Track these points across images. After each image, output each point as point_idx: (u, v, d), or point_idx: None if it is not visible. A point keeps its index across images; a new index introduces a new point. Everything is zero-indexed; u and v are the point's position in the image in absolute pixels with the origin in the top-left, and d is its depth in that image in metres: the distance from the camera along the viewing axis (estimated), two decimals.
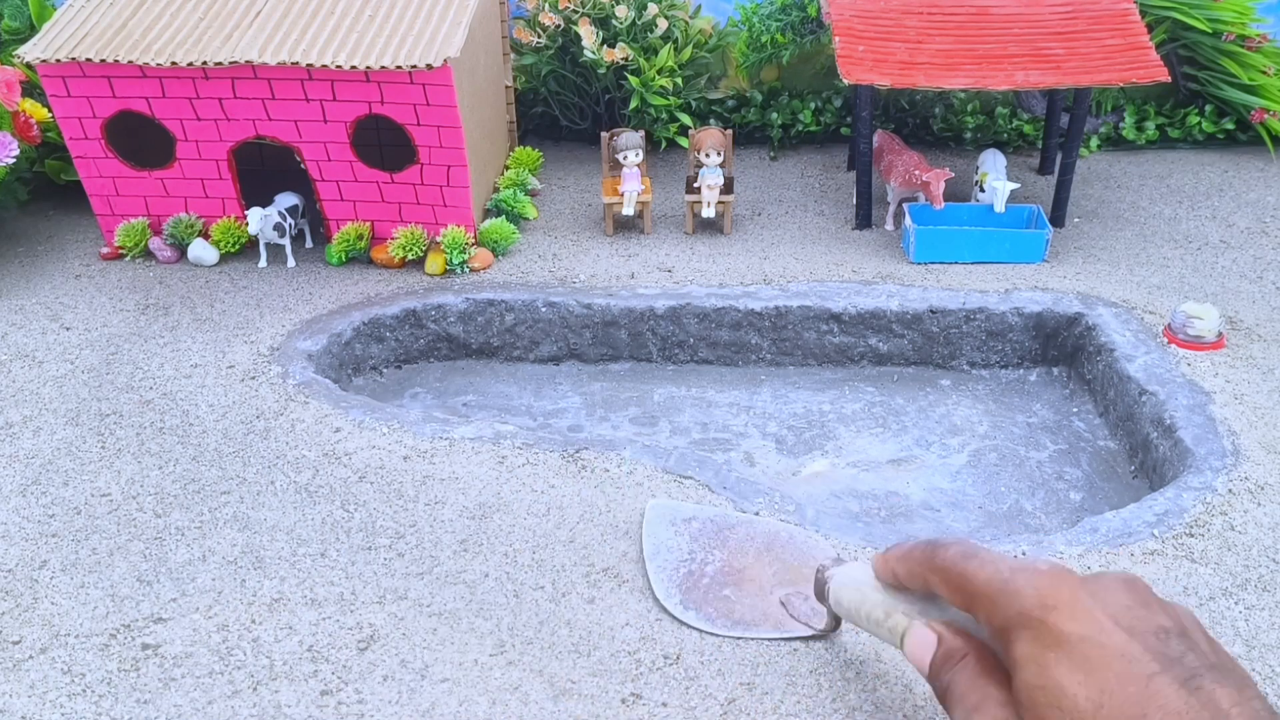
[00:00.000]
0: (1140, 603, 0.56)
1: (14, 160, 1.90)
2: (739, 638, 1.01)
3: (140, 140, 1.92)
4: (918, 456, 1.59)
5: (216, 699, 0.97)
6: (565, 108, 2.39)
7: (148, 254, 1.95)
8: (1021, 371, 1.79)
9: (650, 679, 0.98)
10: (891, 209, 2.03)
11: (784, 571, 1.09)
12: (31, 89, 2.01)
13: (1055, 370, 1.77)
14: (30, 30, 2.16)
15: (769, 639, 1.00)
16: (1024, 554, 1.21)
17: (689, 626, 1.02)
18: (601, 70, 2.16)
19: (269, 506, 1.25)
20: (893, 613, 0.77)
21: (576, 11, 2.15)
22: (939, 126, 2.38)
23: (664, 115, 2.24)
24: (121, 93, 1.81)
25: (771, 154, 2.41)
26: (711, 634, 1.01)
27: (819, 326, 1.78)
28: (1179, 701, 0.48)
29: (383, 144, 1.97)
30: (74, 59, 1.74)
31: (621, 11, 2.13)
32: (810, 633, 1.00)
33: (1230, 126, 2.34)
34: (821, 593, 0.83)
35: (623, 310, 1.78)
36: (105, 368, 1.59)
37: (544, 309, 1.79)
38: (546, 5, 2.17)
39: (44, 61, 1.75)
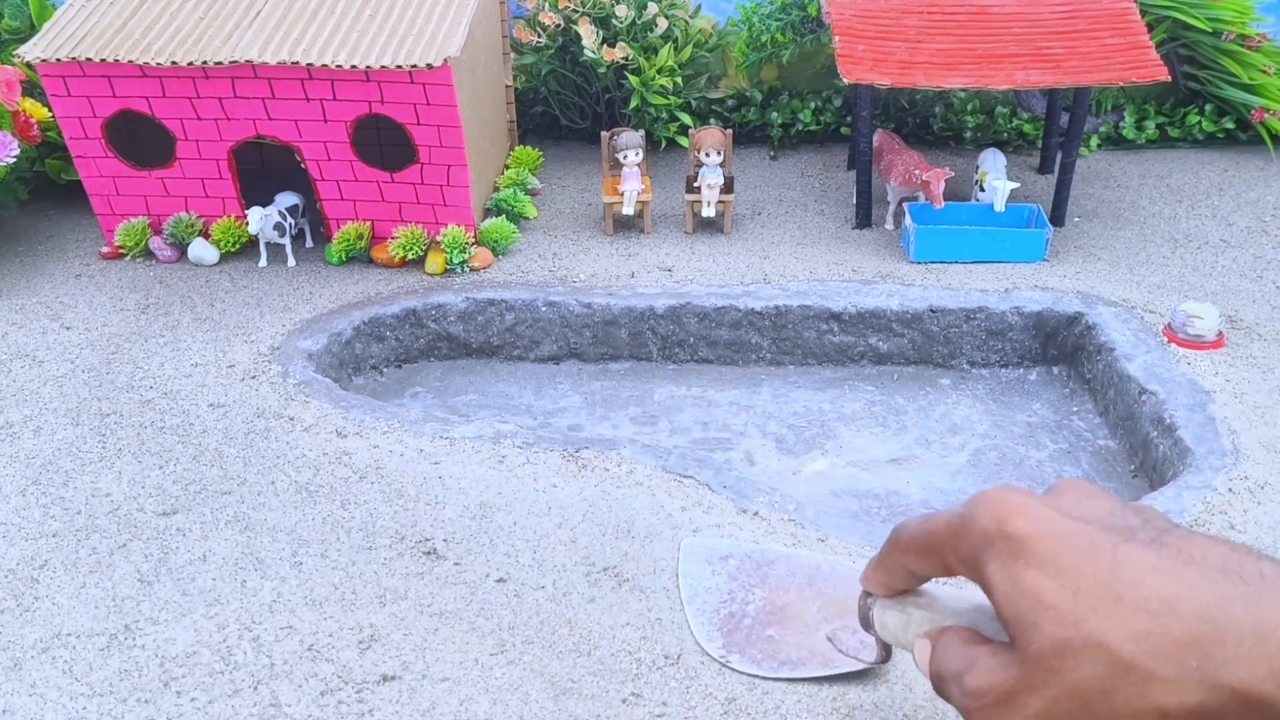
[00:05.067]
0: (1089, 495, 0.56)
1: (14, 160, 1.90)
2: (788, 679, 0.97)
3: (140, 140, 1.92)
4: (918, 456, 1.59)
5: (217, 699, 0.97)
6: (565, 107, 2.39)
7: (148, 253, 1.95)
8: (1021, 371, 1.79)
9: (650, 678, 0.98)
10: (891, 208, 2.03)
11: (828, 606, 1.05)
12: (32, 88, 2.01)
13: (1055, 369, 1.77)
14: (30, 30, 2.15)
15: (819, 678, 0.96)
16: None
17: (735, 671, 0.98)
18: (601, 70, 2.16)
19: (269, 506, 1.25)
20: (907, 614, 0.75)
21: (576, 11, 2.15)
22: (939, 126, 2.38)
23: (664, 115, 2.24)
24: (122, 92, 1.81)
25: (771, 153, 2.41)
26: (759, 678, 0.97)
27: (819, 326, 1.78)
28: (1150, 557, 0.48)
29: (383, 143, 1.97)
30: (74, 58, 1.74)
31: (621, 11, 2.13)
32: (861, 666, 0.96)
33: (1230, 126, 2.34)
34: (866, 620, 0.79)
35: (623, 309, 1.78)
36: (105, 367, 1.59)
37: (544, 308, 1.79)
38: (546, 5, 2.17)
39: (44, 61, 1.75)
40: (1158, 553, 0.48)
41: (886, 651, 0.88)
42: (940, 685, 0.61)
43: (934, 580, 0.68)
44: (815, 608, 1.05)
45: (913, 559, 0.65)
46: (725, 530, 1.22)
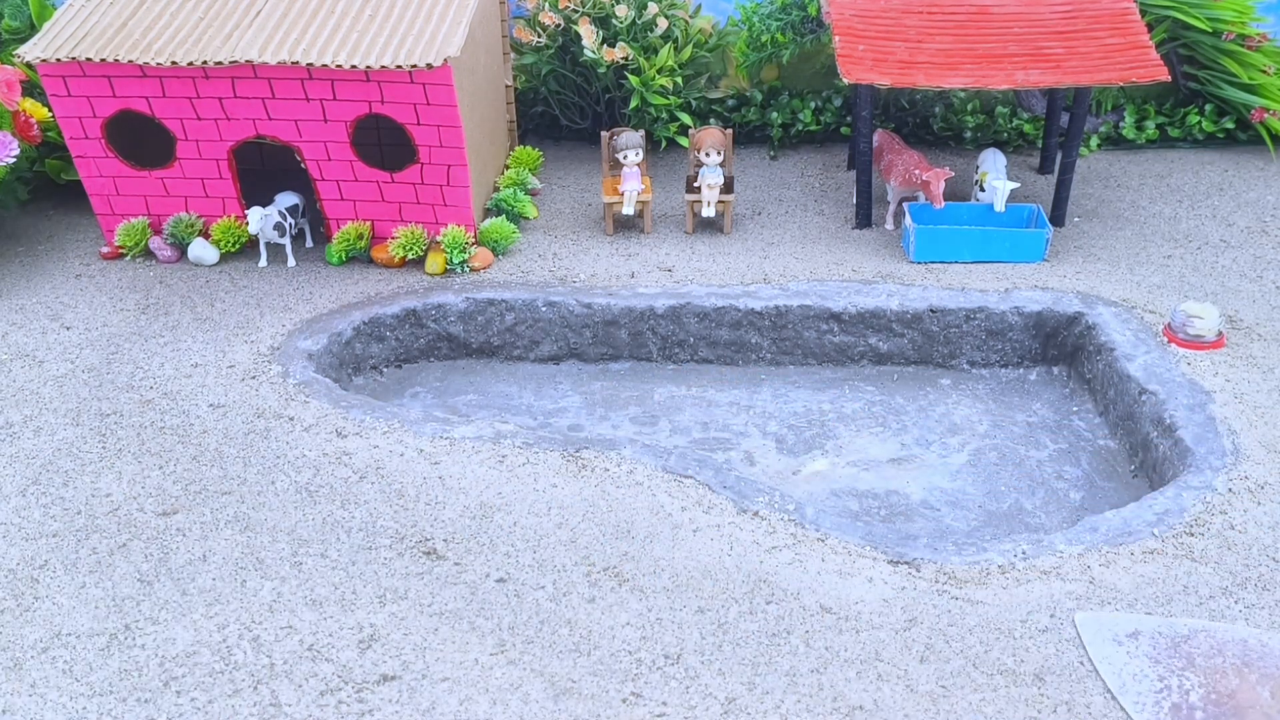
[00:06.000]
0: None
1: (14, 160, 1.90)
2: None
3: (140, 140, 1.92)
4: (918, 455, 1.59)
5: (217, 698, 0.97)
6: (565, 107, 2.39)
7: (148, 253, 1.95)
8: (1021, 371, 1.79)
9: (650, 678, 0.98)
10: (891, 208, 2.03)
11: None
12: (31, 89, 2.01)
13: (1055, 369, 1.77)
14: (30, 30, 2.16)
15: None
16: (1023, 553, 1.22)
17: None
18: (601, 70, 2.16)
19: (269, 506, 1.26)
20: None
21: (577, 11, 2.15)
22: (939, 126, 2.38)
23: (664, 115, 2.24)
24: (122, 92, 1.81)
25: (771, 153, 2.41)
26: None
27: (819, 326, 1.78)
28: None
29: (383, 143, 1.97)
30: (74, 58, 1.74)
31: (621, 11, 2.13)
32: None
33: (1230, 126, 2.34)
34: None
35: (623, 310, 1.78)
36: (106, 367, 1.59)
37: (544, 308, 1.79)
38: (547, 5, 2.17)
39: (44, 61, 1.75)
40: None
41: None
42: None
43: None
44: (1268, 693, 0.97)
45: None
46: (725, 530, 1.22)
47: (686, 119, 2.26)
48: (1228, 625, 1.07)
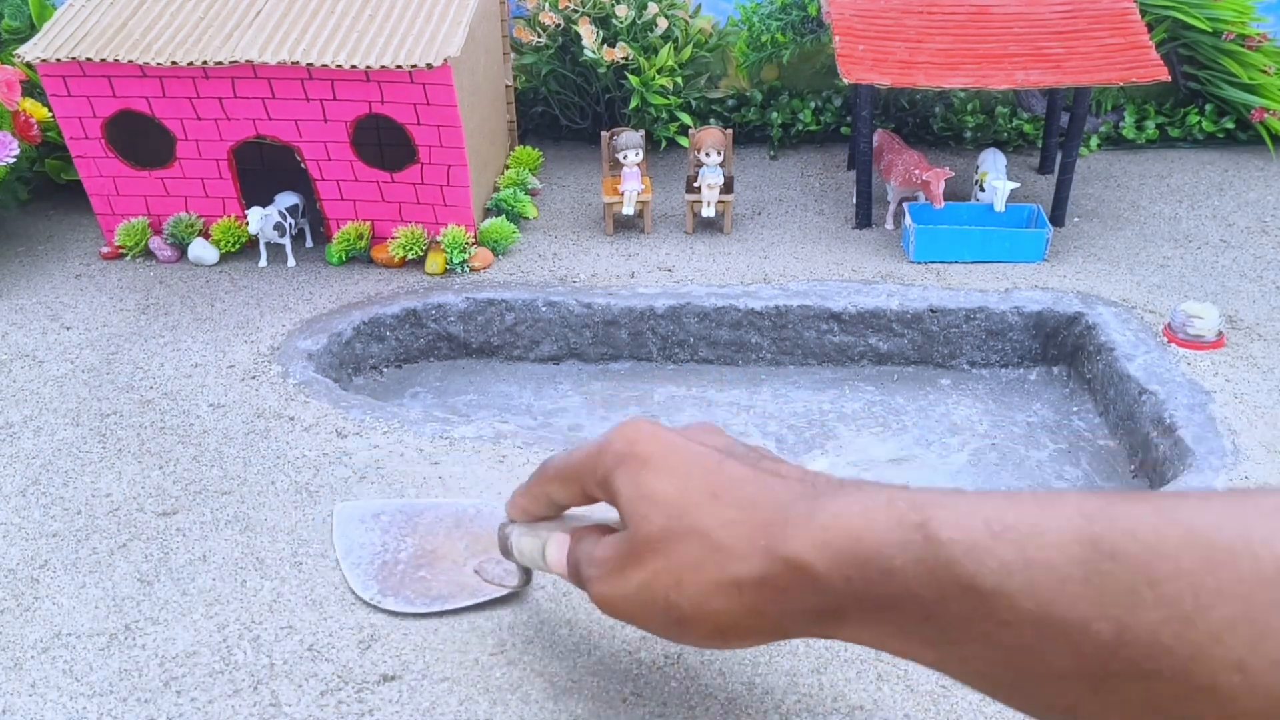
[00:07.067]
0: (714, 431, 0.69)
1: (14, 160, 1.90)
2: (439, 613, 1.03)
3: (140, 140, 1.92)
4: (918, 455, 1.59)
5: (217, 698, 0.97)
6: (565, 107, 2.39)
7: (148, 253, 1.95)
8: (1021, 371, 1.79)
9: (651, 678, 0.98)
10: (891, 208, 2.03)
11: (475, 543, 1.11)
12: (31, 88, 2.01)
13: (1055, 369, 1.78)
14: (30, 30, 2.16)
15: (468, 606, 1.03)
16: None
17: (389, 612, 1.04)
18: (601, 70, 2.16)
19: (269, 506, 1.26)
20: (540, 538, 0.81)
21: (576, 11, 2.15)
22: (939, 126, 2.38)
23: (664, 115, 2.24)
24: (122, 92, 1.81)
25: (771, 153, 2.41)
26: (412, 614, 1.03)
27: (819, 326, 1.78)
28: (746, 471, 0.59)
29: (383, 143, 1.97)
30: (74, 58, 1.74)
31: (621, 11, 2.13)
32: (506, 591, 1.03)
33: (1230, 126, 2.34)
34: (506, 547, 0.88)
35: (623, 309, 1.78)
36: (106, 367, 1.59)
37: (544, 308, 1.79)
38: (546, 4, 2.17)
39: (44, 61, 1.75)
40: (753, 468, 0.59)
41: (527, 575, 0.98)
42: (574, 569, 0.72)
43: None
44: (463, 546, 1.11)
45: (556, 487, 0.75)
46: None
47: (686, 119, 2.26)
48: (459, 500, 1.21)
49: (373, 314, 1.76)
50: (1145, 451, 1.49)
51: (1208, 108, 2.36)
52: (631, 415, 0.77)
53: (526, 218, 2.08)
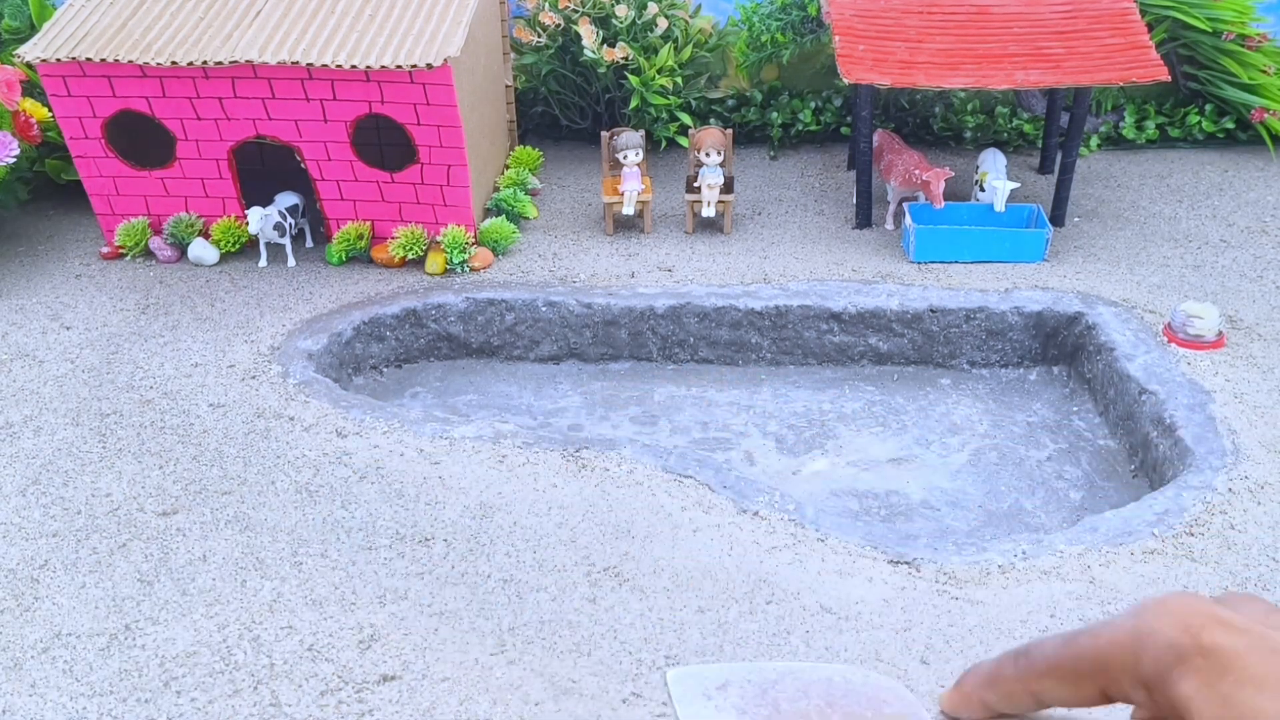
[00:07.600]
0: (1270, 609, 0.53)
1: (14, 160, 1.90)
2: None
3: (140, 140, 1.92)
4: (918, 455, 1.59)
5: (217, 699, 0.97)
6: (565, 107, 2.39)
7: (148, 253, 1.95)
8: (1021, 370, 1.79)
9: (651, 678, 0.97)
10: (891, 208, 2.03)
11: None
12: (31, 89, 2.01)
13: (1055, 369, 1.77)
14: (30, 30, 2.15)
15: None
16: (1023, 553, 1.22)
17: None
18: (601, 70, 2.16)
19: (269, 506, 1.25)
20: None
21: (577, 11, 2.14)
22: (939, 126, 2.38)
23: (664, 115, 2.24)
24: (122, 92, 1.81)
25: (771, 153, 2.41)
26: None
27: (819, 326, 1.78)
28: None
29: (383, 144, 1.97)
30: (74, 59, 1.74)
31: (621, 11, 2.13)
32: None
33: (1230, 126, 2.34)
34: None
35: (623, 309, 1.78)
36: (106, 367, 1.59)
37: (544, 308, 1.79)
38: (547, 5, 2.17)
39: (44, 61, 1.75)
40: None
41: None
42: None
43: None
44: None
45: (1053, 683, 0.56)
46: (725, 530, 1.22)
47: (686, 119, 2.26)
48: (819, 665, 1.09)
49: (373, 314, 1.75)
50: (1145, 451, 1.49)
51: (1208, 108, 2.36)
52: (1168, 593, 0.54)
53: (526, 218, 2.08)
